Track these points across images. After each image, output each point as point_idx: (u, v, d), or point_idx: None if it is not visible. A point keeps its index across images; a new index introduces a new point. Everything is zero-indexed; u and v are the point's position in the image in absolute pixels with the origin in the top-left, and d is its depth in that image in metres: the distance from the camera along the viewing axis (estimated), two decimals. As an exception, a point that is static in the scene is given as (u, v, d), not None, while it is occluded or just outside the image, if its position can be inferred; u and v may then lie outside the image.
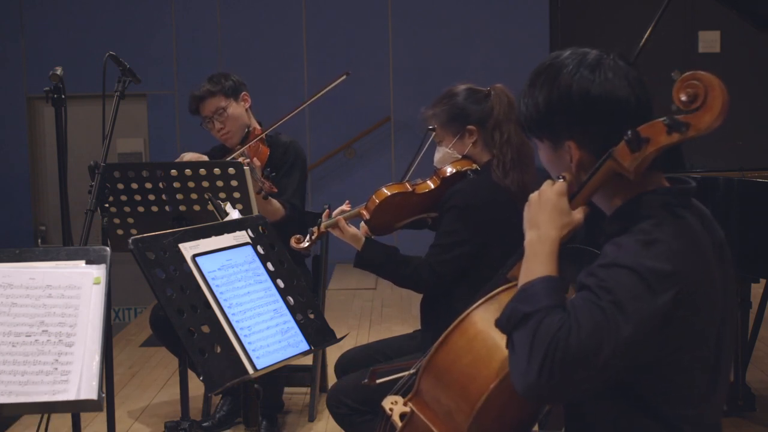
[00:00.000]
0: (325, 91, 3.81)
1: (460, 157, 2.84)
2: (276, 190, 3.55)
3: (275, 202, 3.62)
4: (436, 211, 2.84)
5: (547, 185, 1.70)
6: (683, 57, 7.64)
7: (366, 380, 2.20)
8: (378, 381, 2.21)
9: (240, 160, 3.43)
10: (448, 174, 2.81)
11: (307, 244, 2.89)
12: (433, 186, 2.82)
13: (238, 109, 3.81)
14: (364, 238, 2.80)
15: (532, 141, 1.77)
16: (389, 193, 2.81)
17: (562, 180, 1.69)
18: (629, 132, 1.57)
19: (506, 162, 2.76)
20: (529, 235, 1.67)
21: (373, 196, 2.82)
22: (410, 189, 2.82)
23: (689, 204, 1.68)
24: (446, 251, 2.74)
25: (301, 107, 3.88)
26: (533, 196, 1.71)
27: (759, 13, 4.13)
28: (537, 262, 1.63)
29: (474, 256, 2.74)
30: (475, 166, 2.82)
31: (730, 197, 3.56)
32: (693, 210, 1.68)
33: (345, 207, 2.90)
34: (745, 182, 3.56)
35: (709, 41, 7.91)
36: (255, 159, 3.53)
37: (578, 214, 1.68)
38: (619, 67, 1.65)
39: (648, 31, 4.14)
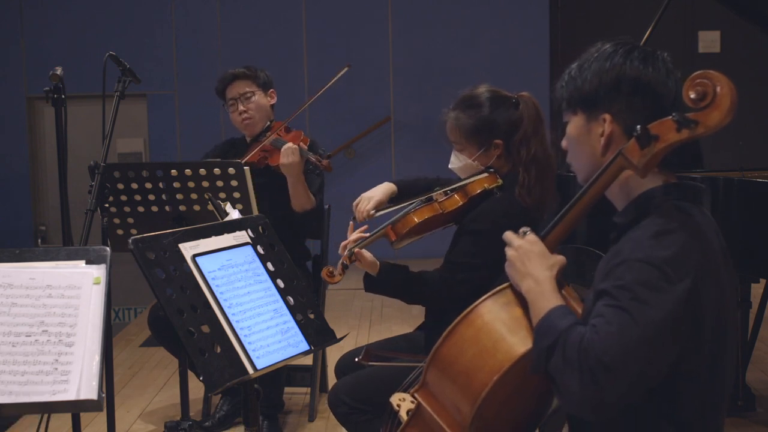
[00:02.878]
0: (329, 85, 3.85)
1: (483, 168, 2.73)
2: (331, 170, 3.61)
3: (309, 192, 3.67)
4: (455, 223, 2.78)
5: (517, 241, 1.76)
6: (683, 57, 7.64)
7: (360, 357, 2.19)
8: (370, 363, 2.19)
9: (288, 144, 3.53)
10: (476, 192, 2.70)
11: (339, 277, 2.80)
12: (460, 202, 2.72)
13: (264, 100, 3.87)
14: (379, 263, 2.72)
15: (565, 117, 1.79)
16: (419, 220, 2.71)
17: (529, 233, 1.76)
18: (638, 128, 1.59)
19: (531, 179, 2.66)
20: (525, 285, 1.71)
21: (404, 221, 2.71)
22: (440, 210, 2.72)
23: (697, 203, 1.69)
24: (466, 270, 2.67)
25: (308, 103, 3.98)
26: (511, 254, 1.76)
27: (759, 12, 4.14)
28: (542, 301, 1.67)
29: (492, 277, 2.68)
30: (500, 181, 2.71)
31: (730, 197, 3.56)
32: (700, 211, 1.69)
33: (362, 234, 2.78)
34: (745, 182, 3.56)
35: (709, 41, 7.92)
36: (302, 144, 3.59)
37: (560, 255, 1.75)
38: (669, 67, 1.70)
39: (648, 31, 4.14)
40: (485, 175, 2.73)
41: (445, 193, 2.75)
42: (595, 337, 1.52)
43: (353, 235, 2.78)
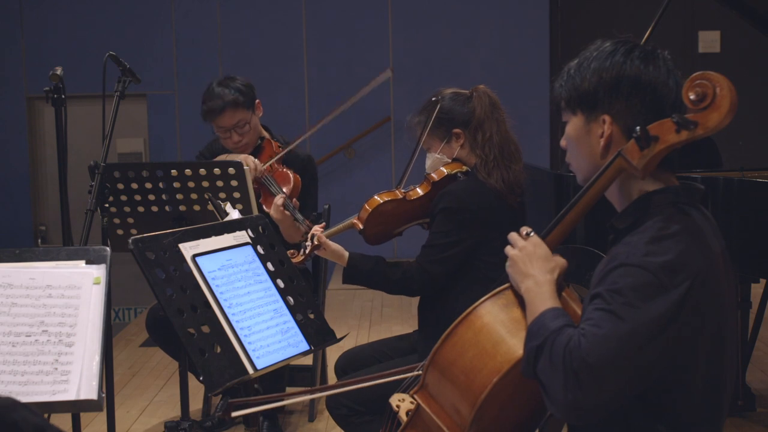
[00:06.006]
0: (369, 88, 3.70)
1: (450, 161, 2.84)
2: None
3: (300, 231, 3.52)
4: (429, 216, 2.84)
5: (521, 241, 1.75)
6: (683, 57, 7.64)
7: (220, 413, 2.07)
8: (234, 414, 2.06)
9: (278, 200, 3.31)
10: (437, 178, 2.80)
11: (301, 258, 2.80)
12: (422, 192, 2.82)
13: (255, 120, 3.68)
14: (347, 253, 2.76)
15: (564, 116, 1.78)
16: (381, 201, 2.79)
17: (533, 234, 1.74)
18: (638, 129, 1.59)
19: (489, 161, 2.77)
20: (525, 285, 1.70)
21: (365, 206, 2.80)
22: (401, 196, 2.81)
23: (697, 205, 1.69)
24: (437, 252, 2.73)
25: (341, 108, 3.80)
26: (514, 254, 1.75)
27: (759, 14, 4.14)
28: (539, 302, 1.66)
29: (465, 256, 2.74)
30: (465, 168, 2.82)
31: (730, 197, 3.56)
32: (701, 212, 1.69)
33: (319, 228, 2.83)
34: (745, 182, 3.56)
35: (709, 41, 7.91)
36: (294, 200, 3.40)
37: (561, 258, 1.74)
38: (669, 66, 1.69)
39: (648, 31, 4.14)
40: (449, 163, 2.84)
41: (413, 186, 2.87)
42: (582, 339, 1.51)
43: (318, 226, 2.86)
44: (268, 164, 3.56)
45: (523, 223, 2.82)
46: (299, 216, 3.23)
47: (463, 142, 2.82)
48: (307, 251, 2.78)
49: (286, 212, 3.29)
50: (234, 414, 2.02)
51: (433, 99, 2.86)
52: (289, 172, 3.59)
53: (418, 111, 2.91)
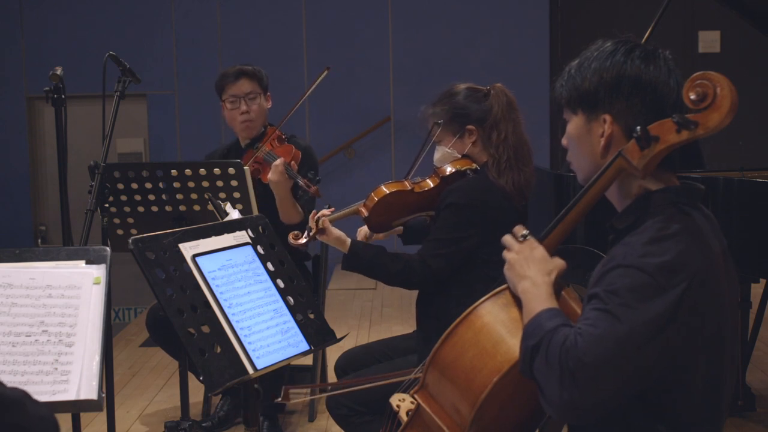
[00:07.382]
0: (310, 90, 3.81)
1: (460, 156, 2.83)
2: (320, 196, 3.50)
3: (298, 206, 3.60)
4: (434, 210, 2.84)
5: (517, 245, 1.74)
6: (683, 57, 7.64)
7: (280, 398, 2.12)
8: (292, 401, 2.10)
9: (278, 162, 3.44)
10: (447, 173, 2.80)
11: (304, 240, 2.82)
12: (432, 185, 2.81)
13: (264, 104, 3.81)
14: (349, 240, 2.76)
15: (565, 115, 1.78)
16: (388, 191, 2.79)
17: (529, 237, 1.74)
18: (638, 129, 1.59)
19: (501, 162, 2.75)
20: (522, 286, 1.70)
21: (372, 194, 2.80)
22: (409, 187, 2.81)
23: (697, 205, 1.69)
24: (440, 247, 2.72)
25: (293, 109, 3.85)
26: (511, 257, 1.74)
27: (760, 14, 4.14)
28: (535, 302, 1.66)
29: (467, 254, 2.73)
30: (474, 165, 2.81)
31: (730, 197, 3.56)
32: (701, 212, 1.69)
33: (327, 212, 2.84)
34: (745, 182, 3.56)
35: (709, 41, 7.92)
36: (293, 163, 3.51)
37: (559, 259, 1.74)
38: (670, 66, 1.69)
39: (648, 31, 4.14)
40: (459, 159, 2.83)
41: (421, 178, 2.86)
42: (578, 338, 1.51)
43: (326, 210, 2.85)
44: (268, 141, 3.68)
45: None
46: (296, 174, 3.36)
47: (475, 139, 2.81)
48: (311, 233, 2.77)
49: (286, 173, 3.40)
50: (292, 401, 2.05)
51: (449, 93, 2.82)
52: (290, 145, 3.68)
53: (433, 102, 2.88)
